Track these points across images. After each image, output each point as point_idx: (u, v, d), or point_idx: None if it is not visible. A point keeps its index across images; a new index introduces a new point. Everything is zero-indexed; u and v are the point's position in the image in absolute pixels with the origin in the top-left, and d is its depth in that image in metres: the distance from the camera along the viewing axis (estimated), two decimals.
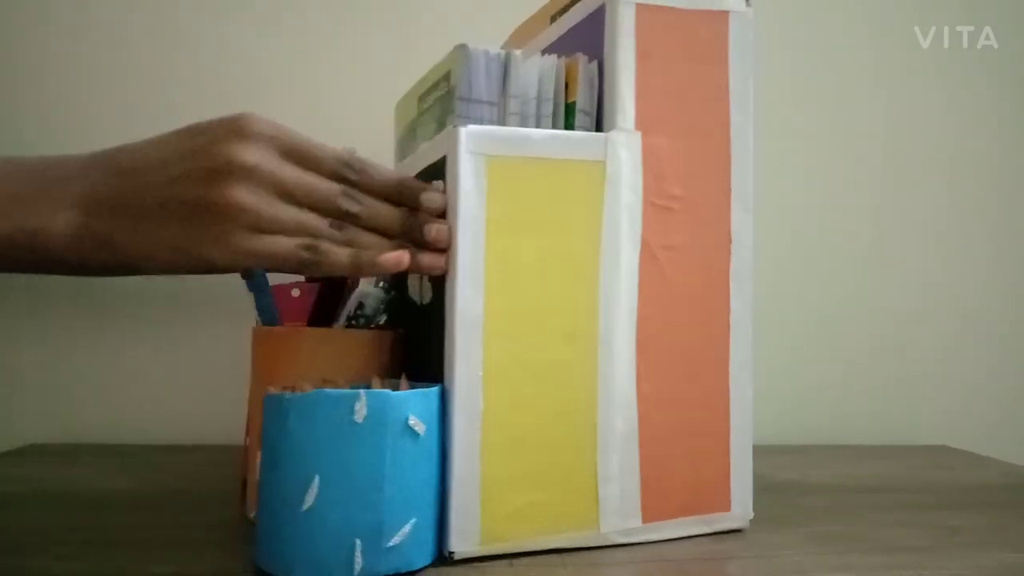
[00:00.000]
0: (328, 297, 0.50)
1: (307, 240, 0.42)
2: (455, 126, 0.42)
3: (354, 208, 0.43)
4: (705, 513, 0.47)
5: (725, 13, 0.47)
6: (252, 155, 0.42)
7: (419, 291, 0.47)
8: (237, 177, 0.41)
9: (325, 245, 0.42)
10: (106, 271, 0.47)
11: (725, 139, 0.47)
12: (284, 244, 0.42)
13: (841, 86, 0.84)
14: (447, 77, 0.48)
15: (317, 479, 0.37)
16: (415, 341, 0.47)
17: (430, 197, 0.43)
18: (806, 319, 0.83)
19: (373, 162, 0.44)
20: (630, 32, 0.45)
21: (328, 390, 0.38)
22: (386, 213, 0.44)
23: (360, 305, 0.49)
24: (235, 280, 0.75)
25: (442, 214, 0.43)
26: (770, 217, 0.82)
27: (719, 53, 0.47)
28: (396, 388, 0.43)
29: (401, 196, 0.44)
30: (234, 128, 0.42)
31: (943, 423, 0.84)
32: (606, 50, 0.46)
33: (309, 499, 0.37)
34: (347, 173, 0.44)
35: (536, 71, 0.46)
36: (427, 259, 0.42)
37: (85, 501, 0.53)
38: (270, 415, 0.39)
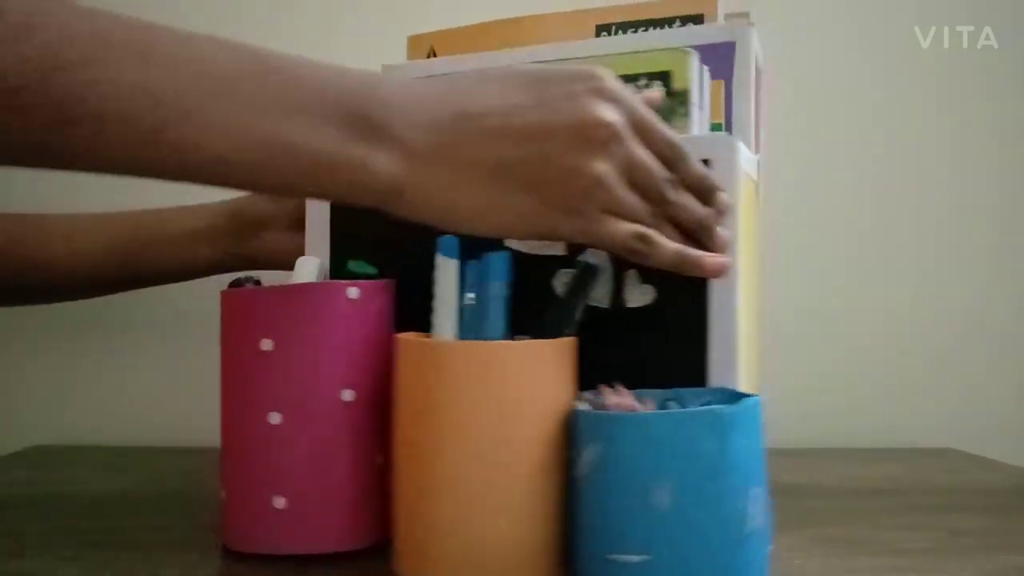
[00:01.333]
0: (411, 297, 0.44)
1: (642, 229, 0.40)
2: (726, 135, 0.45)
3: (673, 197, 0.41)
4: None
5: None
6: (619, 122, 0.39)
7: (610, 293, 0.45)
8: (605, 146, 0.38)
9: (657, 237, 0.40)
10: (416, 220, 0.40)
11: None
12: (624, 230, 0.40)
13: (841, 86, 0.84)
14: (662, 76, 0.47)
15: (755, 491, 0.36)
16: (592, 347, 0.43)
17: (723, 199, 0.42)
18: (811, 321, 0.82)
19: (688, 151, 0.42)
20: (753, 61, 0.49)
21: (750, 398, 0.37)
22: (692, 207, 0.42)
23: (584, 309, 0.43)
24: None
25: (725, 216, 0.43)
26: (772, 218, 0.82)
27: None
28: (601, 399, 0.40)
29: (703, 188, 0.42)
30: (594, 86, 0.39)
31: (948, 426, 0.84)
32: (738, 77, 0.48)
33: (753, 517, 0.35)
34: (675, 158, 0.41)
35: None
36: (712, 262, 0.41)
37: (87, 503, 0.53)
38: (692, 431, 0.35)
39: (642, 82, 0.47)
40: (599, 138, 0.38)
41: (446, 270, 0.41)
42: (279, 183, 0.38)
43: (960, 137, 0.86)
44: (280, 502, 0.41)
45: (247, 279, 0.46)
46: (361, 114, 0.38)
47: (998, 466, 0.71)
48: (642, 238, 0.40)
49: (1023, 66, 0.87)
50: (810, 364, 0.82)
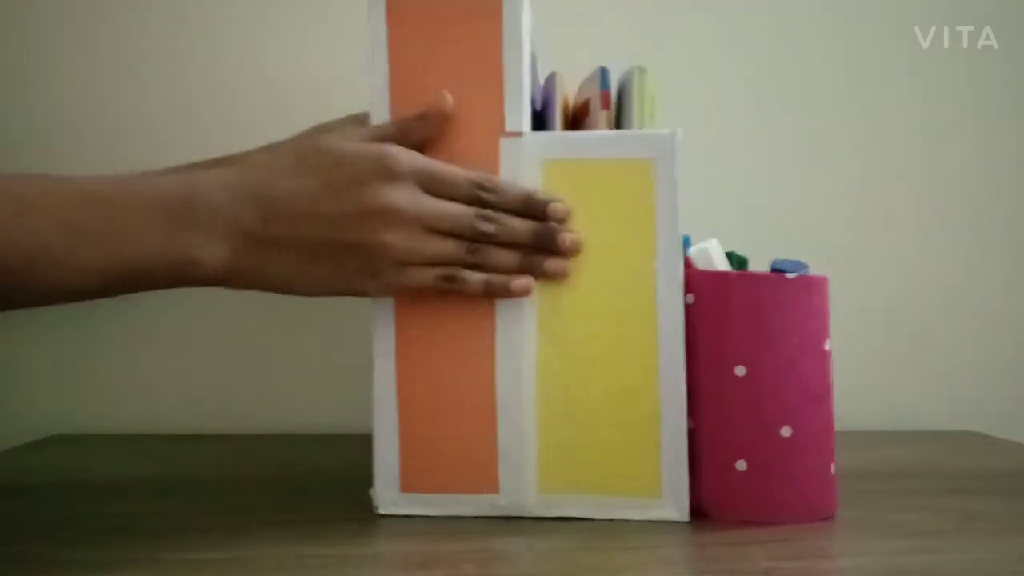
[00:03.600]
0: None
1: (446, 271, 0.46)
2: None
3: (489, 228, 0.46)
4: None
5: None
6: (401, 198, 0.45)
7: None
8: (388, 220, 0.44)
9: (463, 273, 0.46)
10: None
11: None
12: (426, 276, 0.46)
13: (841, 86, 0.85)
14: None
15: None
16: None
17: (556, 208, 0.47)
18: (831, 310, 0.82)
19: (501, 179, 0.47)
20: None
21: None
22: (519, 227, 0.47)
23: None
24: None
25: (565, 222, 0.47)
26: (777, 214, 0.82)
27: None
28: None
29: (530, 209, 0.47)
30: (381, 168, 0.45)
31: (964, 409, 0.84)
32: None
33: None
34: (481, 195, 0.46)
35: None
36: (551, 265, 0.47)
37: (104, 490, 0.53)
38: None
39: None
40: (384, 217, 0.44)
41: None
42: (135, 289, 0.46)
43: (960, 137, 0.86)
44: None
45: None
46: (184, 218, 0.44)
47: (1016, 448, 0.71)
48: (447, 278, 0.46)
49: (1023, 66, 0.87)
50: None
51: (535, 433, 0.47)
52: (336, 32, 0.77)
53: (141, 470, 0.58)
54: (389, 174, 0.45)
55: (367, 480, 0.49)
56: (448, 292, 0.46)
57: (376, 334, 0.49)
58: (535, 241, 0.47)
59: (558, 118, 0.51)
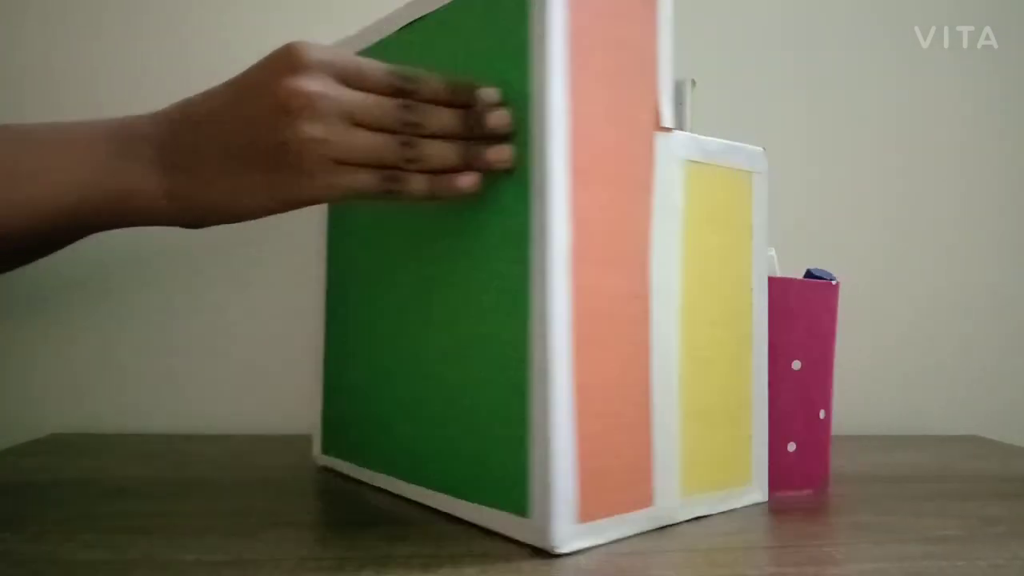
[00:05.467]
0: None
1: (387, 172, 0.43)
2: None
3: (415, 118, 0.43)
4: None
5: None
6: (312, 84, 0.41)
7: None
8: (304, 109, 0.41)
9: (404, 174, 0.43)
10: (201, 225, 0.47)
11: None
12: (365, 178, 0.43)
13: (842, 86, 0.84)
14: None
15: None
16: None
17: (487, 92, 0.43)
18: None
19: (421, 70, 0.44)
20: None
21: None
22: (447, 115, 0.44)
23: None
24: (260, 270, 0.75)
25: (498, 108, 0.43)
26: (784, 211, 0.81)
27: None
28: None
29: (456, 96, 0.44)
30: (287, 61, 0.42)
31: (974, 413, 0.84)
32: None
33: None
34: (401, 84, 0.43)
35: None
36: (492, 154, 0.43)
37: (109, 489, 0.52)
38: None
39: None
40: (296, 106, 0.41)
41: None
42: (81, 228, 0.46)
43: (960, 136, 0.86)
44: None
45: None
46: (119, 152, 0.45)
47: None
48: (389, 178, 0.43)
49: (1023, 66, 0.87)
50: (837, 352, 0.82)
51: (680, 437, 0.46)
52: (338, 31, 0.76)
53: (142, 470, 0.57)
54: (296, 65, 0.42)
55: None
56: (390, 196, 0.43)
57: (547, 335, 0.40)
58: (465, 128, 0.43)
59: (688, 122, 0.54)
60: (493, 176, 0.44)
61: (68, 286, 0.73)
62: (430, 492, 0.48)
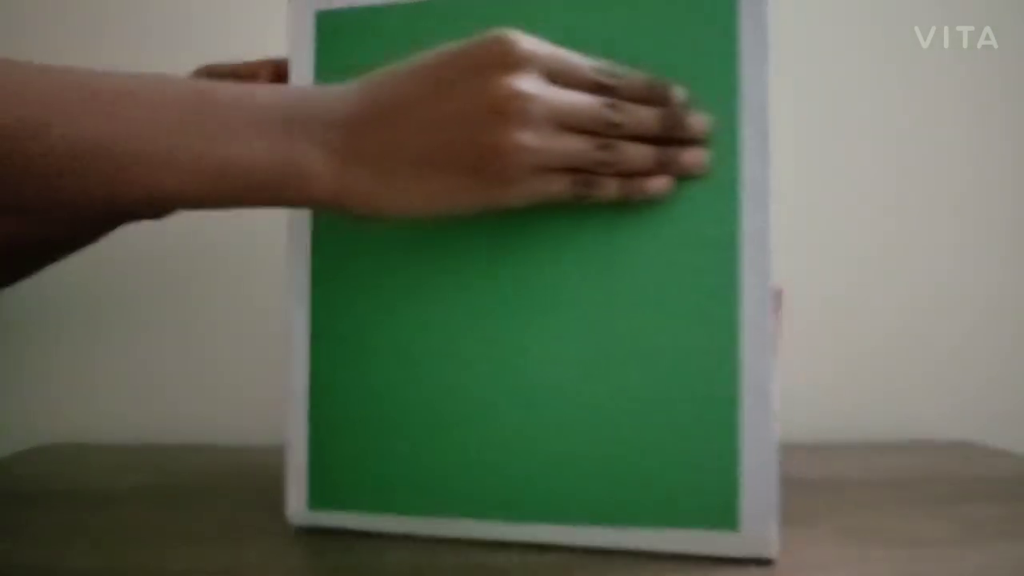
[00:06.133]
0: None
1: (582, 176, 0.41)
2: None
3: (618, 118, 0.41)
4: None
5: None
6: (528, 85, 0.39)
7: None
8: (520, 114, 0.38)
9: (598, 179, 0.41)
10: (369, 218, 0.43)
11: None
12: (560, 183, 0.41)
13: (842, 86, 0.84)
14: None
15: None
16: None
17: (679, 91, 0.42)
18: (825, 316, 0.82)
19: (622, 67, 0.43)
20: None
21: None
22: (645, 115, 0.42)
23: None
24: (254, 280, 0.75)
25: (690, 108, 0.43)
26: (782, 211, 0.81)
27: None
28: None
29: (652, 94, 0.42)
30: (500, 54, 0.39)
31: (964, 418, 0.83)
32: None
33: None
34: (605, 80, 0.41)
35: None
36: (689, 157, 0.42)
37: (97, 499, 0.52)
38: None
39: None
40: (512, 110, 0.38)
41: None
42: (235, 200, 0.41)
43: (960, 137, 0.85)
44: None
45: None
46: (296, 127, 0.40)
47: (1015, 458, 0.70)
48: (584, 183, 0.41)
49: (1023, 66, 0.87)
50: (825, 358, 0.82)
51: None
52: None
53: (133, 479, 0.58)
54: (512, 60, 0.39)
55: None
56: (583, 199, 0.42)
57: (761, 344, 0.41)
58: (663, 129, 0.42)
59: None
60: (687, 180, 0.43)
61: (54, 298, 0.74)
62: (564, 528, 0.43)
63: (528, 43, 0.39)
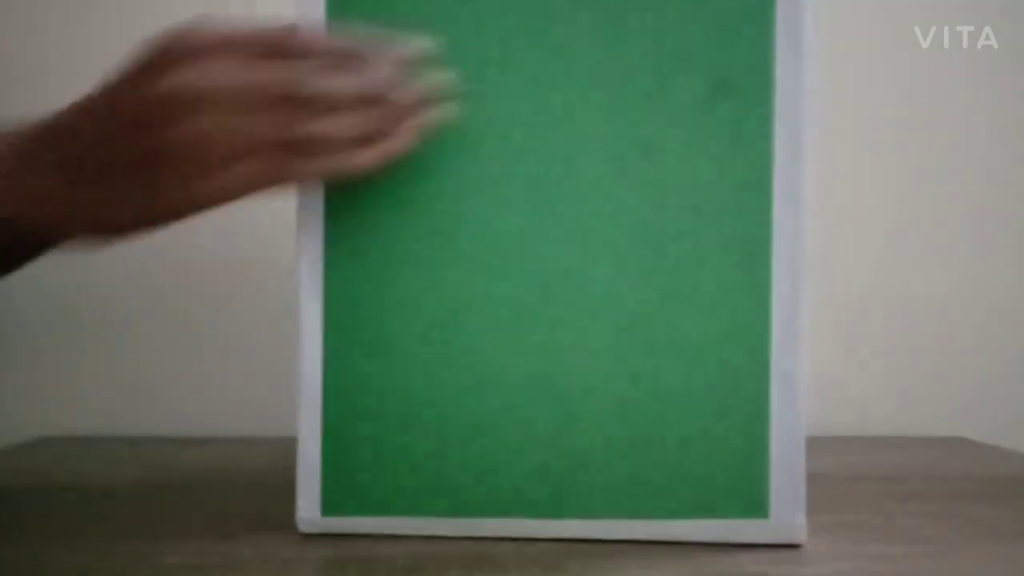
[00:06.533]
0: None
1: (270, 163, 0.37)
2: None
3: (308, 91, 0.37)
4: None
5: None
6: (195, 76, 0.36)
7: None
8: (193, 104, 0.36)
9: (293, 162, 0.37)
10: (91, 246, 0.42)
11: None
12: (248, 172, 0.37)
13: (841, 86, 0.84)
14: None
15: None
16: None
17: (395, 54, 0.38)
18: (823, 313, 0.82)
19: (312, 29, 0.38)
20: None
21: None
22: (345, 84, 0.38)
23: None
24: (249, 271, 0.75)
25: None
26: None
27: None
28: None
29: (364, 58, 0.39)
30: (163, 57, 0.36)
31: (959, 415, 0.83)
32: None
33: None
34: (300, 47, 0.37)
35: None
36: (368, 155, 0.38)
37: (96, 492, 0.52)
38: None
39: None
40: (182, 104, 0.36)
41: None
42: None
43: (960, 137, 0.85)
44: None
45: None
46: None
47: (1010, 455, 0.70)
48: (277, 171, 0.37)
49: (1023, 66, 0.87)
50: (822, 354, 0.82)
51: None
52: None
53: (132, 472, 0.58)
54: (174, 56, 0.36)
55: None
56: (281, 187, 0.38)
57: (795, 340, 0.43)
58: (366, 99, 0.38)
59: None
60: (725, 181, 0.41)
61: (54, 291, 0.74)
62: (596, 522, 0.42)
63: (198, 32, 0.36)
